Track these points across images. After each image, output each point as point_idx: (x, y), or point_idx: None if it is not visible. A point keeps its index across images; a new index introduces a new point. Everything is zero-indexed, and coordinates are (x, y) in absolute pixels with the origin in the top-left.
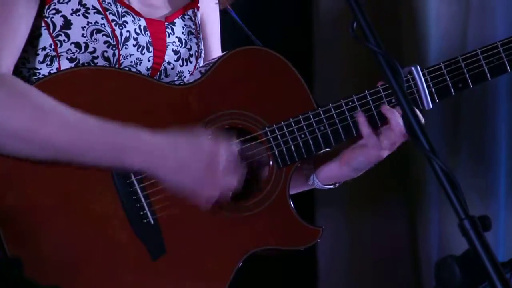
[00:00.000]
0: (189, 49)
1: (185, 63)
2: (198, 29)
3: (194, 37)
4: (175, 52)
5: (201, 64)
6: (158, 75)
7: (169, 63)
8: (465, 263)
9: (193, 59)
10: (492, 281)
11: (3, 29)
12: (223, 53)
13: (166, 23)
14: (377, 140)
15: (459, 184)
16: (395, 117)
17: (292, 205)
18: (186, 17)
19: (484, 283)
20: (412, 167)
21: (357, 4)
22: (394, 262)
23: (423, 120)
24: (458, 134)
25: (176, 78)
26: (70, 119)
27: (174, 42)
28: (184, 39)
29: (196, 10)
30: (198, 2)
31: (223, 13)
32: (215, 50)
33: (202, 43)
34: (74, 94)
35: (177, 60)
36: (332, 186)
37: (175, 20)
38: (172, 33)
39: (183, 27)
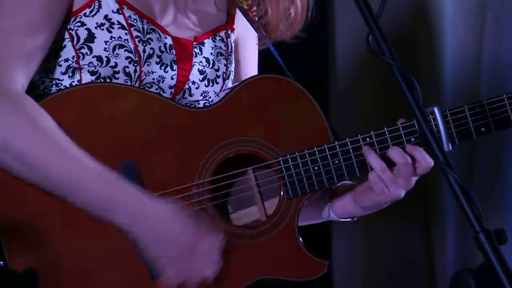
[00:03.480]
0: (217, 70)
1: (211, 84)
2: (229, 50)
3: (224, 58)
4: (201, 72)
5: (229, 85)
6: (181, 93)
7: (193, 82)
8: (481, 276)
9: (220, 80)
10: None
11: (22, 40)
12: (244, 79)
13: (194, 43)
14: (383, 186)
15: (474, 196)
16: (422, 154)
17: (300, 237)
18: (218, 38)
19: None
20: (428, 179)
21: (372, 17)
22: (410, 275)
23: None
24: (474, 147)
25: (200, 98)
26: (72, 154)
27: (201, 62)
28: (212, 59)
29: (229, 31)
30: (233, 24)
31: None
32: (250, 75)
33: (233, 65)
34: (85, 111)
35: (202, 80)
36: (350, 220)
37: (204, 41)
38: (200, 53)
39: (212, 48)
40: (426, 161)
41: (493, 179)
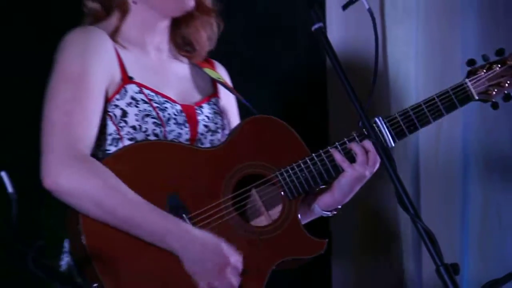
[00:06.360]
0: (216, 124)
1: (214, 134)
2: (221, 110)
3: (218, 115)
4: (205, 126)
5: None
6: (195, 144)
7: (202, 134)
8: None
9: (220, 130)
10: None
11: (83, 122)
12: (241, 121)
13: (196, 107)
14: (352, 166)
15: (436, 239)
16: (370, 144)
17: (302, 224)
18: (211, 102)
19: None
20: (400, 223)
21: (361, 109)
22: None
23: None
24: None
25: (209, 145)
26: (131, 199)
27: (203, 119)
28: (211, 116)
29: (217, 98)
30: (218, 92)
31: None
32: (235, 122)
33: (226, 119)
34: (134, 162)
35: (207, 132)
36: (329, 213)
37: (202, 105)
38: (201, 113)
39: (209, 109)
40: (373, 151)
41: (446, 223)
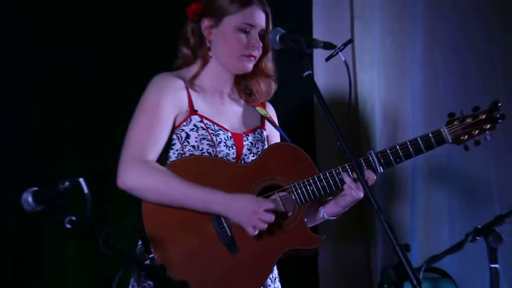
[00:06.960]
0: (257, 148)
1: (255, 156)
2: (263, 139)
3: (260, 142)
4: (249, 149)
5: None
6: (239, 162)
7: (245, 155)
8: (397, 269)
9: (260, 153)
10: (410, 278)
11: (151, 139)
12: (267, 146)
13: (243, 135)
14: (352, 191)
15: (393, 226)
16: (371, 174)
17: (306, 223)
18: (256, 132)
19: (405, 279)
20: (367, 216)
21: (339, 131)
22: (357, 270)
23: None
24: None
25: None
26: (183, 183)
27: (248, 144)
28: (254, 143)
29: (262, 130)
30: (264, 125)
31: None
32: None
33: (266, 146)
34: (186, 169)
35: (250, 153)
36: (334, 218)
37: (249, 134)
38: (246, 140)
39: (253, 137)
40: (370, 177)
41: (401, 217)
